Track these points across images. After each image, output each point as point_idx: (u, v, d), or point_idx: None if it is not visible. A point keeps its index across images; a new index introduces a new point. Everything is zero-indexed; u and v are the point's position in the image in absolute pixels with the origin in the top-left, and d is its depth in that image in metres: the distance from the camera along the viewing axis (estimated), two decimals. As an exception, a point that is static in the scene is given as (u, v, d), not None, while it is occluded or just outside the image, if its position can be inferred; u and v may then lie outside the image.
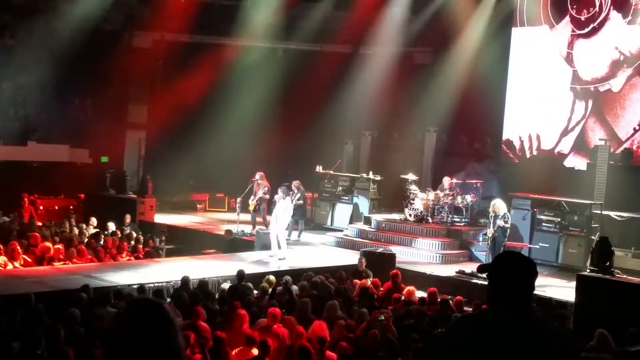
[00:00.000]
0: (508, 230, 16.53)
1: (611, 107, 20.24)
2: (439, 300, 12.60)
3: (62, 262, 15.30)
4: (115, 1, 22.30)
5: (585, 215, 17.53)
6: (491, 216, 16.53)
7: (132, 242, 17.70)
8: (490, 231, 16.46)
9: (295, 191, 20.36)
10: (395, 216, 20.72)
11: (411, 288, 13.22)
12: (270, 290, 12.87)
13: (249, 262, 16.61)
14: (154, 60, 23.55)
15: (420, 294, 13.28)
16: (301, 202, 20.40)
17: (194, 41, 23.70)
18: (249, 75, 23.68)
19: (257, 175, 20.04)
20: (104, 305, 10.97)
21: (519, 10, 21.97)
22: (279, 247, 17.09)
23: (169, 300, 11.95)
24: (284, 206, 17.25)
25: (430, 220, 19.69)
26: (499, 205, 16.51)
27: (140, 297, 4.39)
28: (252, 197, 19.93)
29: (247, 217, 20.31)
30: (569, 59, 21.06)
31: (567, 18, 21.04)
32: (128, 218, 19.48)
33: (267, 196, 19.80)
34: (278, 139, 23.84)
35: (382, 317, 10.29)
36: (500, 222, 16.26)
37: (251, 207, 20.00)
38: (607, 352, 9.24)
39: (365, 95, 23.62)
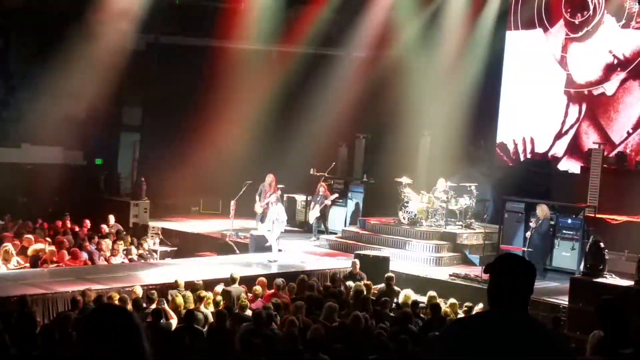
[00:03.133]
0: (543, 236, 16.94)
1: (605, 110, 20.31)
2: (436, 303, 12.59)
3: (55, 264, 15.28)
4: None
5: (579, 218, 17.57)
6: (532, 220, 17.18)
7: (126, 245, 17.67)
8: (527, 234, 17.00)
9: (322, 194, 20.70)
10: (389, 219, 20.71)
11: (408, 292, 13.23)
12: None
13: (242, 264, 16.63)
14: (149, 62, 23.52)
15: (414, 297, 13.29)
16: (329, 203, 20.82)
17: (187, 43, 23.70)
18: (244, 78, 23.66)
19: (270, 178, 19.83)
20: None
21: (513, 13, 22.03)
22: (271, 249, 17.30)
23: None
24: (278, 211, 17.43)
25: (424, 223, 19.69)
26: (537, 209, 17.08)
27: (105, 304, 4.43)
28: (258, 198, 19.74)
29: (242, 219, 20.35)
30: (563, 63, 21.12)
31: (561, 22, 21.11)
32: (112, 219, 19.40)
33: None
34: (272, 142, 23.82)
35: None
36: (532, 225, 16.81)
37: (257, 209, 19.83)
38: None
39: (360, 98, 23.62)
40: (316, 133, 23.45)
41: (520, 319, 3.70)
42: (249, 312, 11.34)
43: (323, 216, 21.05)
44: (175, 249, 19.67)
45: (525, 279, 3.77)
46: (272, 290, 13.11)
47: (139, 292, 12.40)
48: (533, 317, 3.76)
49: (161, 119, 23.59)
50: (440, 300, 12.97)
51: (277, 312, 11.24)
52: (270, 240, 17.42)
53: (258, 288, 12.94)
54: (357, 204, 21.67)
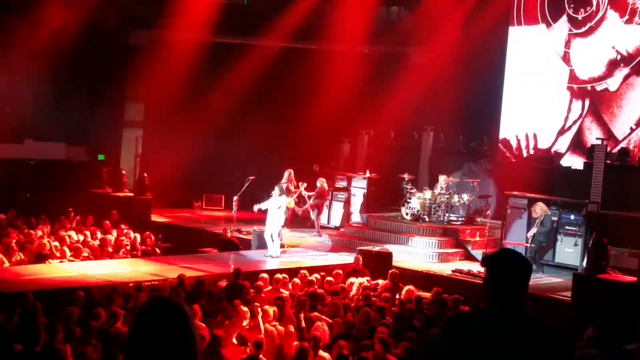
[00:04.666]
0: (547, 233, 16.86)
1: (608, 106, 20.28)
2: (441, 299, 12.58)
3: (58, 260, 15.29)
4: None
5: (582, 214, 17.56)
6: (533, 219, 17.16)
7: (129, 240, 17.68)
8: (530, 233, 16.90)
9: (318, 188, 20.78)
10: (392, 215, 20.72)
11: (410, 287, 13.22)
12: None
13: (245, 261, 16.64)
14: (151, 58, 23.51)
15: (417, 292, 13.27)
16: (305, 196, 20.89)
17: (191, 39, 23.66)
18: (245, 73, 23.65)
19: (288, 173, 19.98)
20: (102, 305, 10.97)
21: (516, 9, 21.99)
22: (273, 244, 17.24)
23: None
24: (279, 204, 17.37)
25: (427, 219, 19.69)
26: (535, 208, 17.04)
27: (157, 296, 4.48)
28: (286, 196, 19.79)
29: (244, 215, 20.35)
30: (566, 58, 21.08)
31: (564, 17, 21.07)
32: (115, 216, 19.40)
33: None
34: (275, 138, 23.82)
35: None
36: (536, 227, 16.77)
37: (290, 205, 19.90)
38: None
39: (363, 94, 23.60)
40: (319, 129, 23.45)
41: (519, 315, 3.70)
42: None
43: (317, 209, 21.10)
44: (178, 244, 19.66)
45: (524, 276, 3.78)
46: (274, 286, 13.11)
47: (142, 288, 12.39)
48: (532, 313, 3.76)
49: (163, 114, 23.57)
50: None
51: (279, 308, 11.23)
52: (273, 234, 17.33)
53: (260, 284, 12.94)
54: (359, 200, 21.67)
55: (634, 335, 9.92)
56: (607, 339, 8.79)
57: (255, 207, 17.78)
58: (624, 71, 19.91)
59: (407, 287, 13.23)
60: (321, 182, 21.12)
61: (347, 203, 21.92)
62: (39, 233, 16.80)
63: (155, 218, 21.53)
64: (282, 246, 17.86)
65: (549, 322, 3.80)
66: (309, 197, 20.94)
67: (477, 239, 18.97)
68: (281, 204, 17.47)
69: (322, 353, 9.24)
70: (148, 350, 2.96)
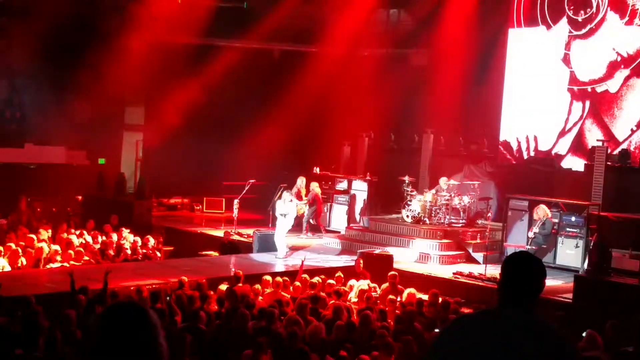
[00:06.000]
0: (547, 236, 16.85)
1: (608, 108, 20.27)
2: (440, 301, 12.58)
3: (59, 264, 15.29)
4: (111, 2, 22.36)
5: (583, 216, 17.55)
6: (534, 220, 17.16)
7: (130, 244, 17.68)
8: (531, 233, 16.96)
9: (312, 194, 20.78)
10: (393, 217, 20.71)
11: (411, 290, 13.20)
12: None
13: (246, 264, 16.64)
14: (151, 62, 23.53)
15: (418, 295, 13.26)
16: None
17: (190, 43, 23.69)
18: (246, 77, 23.67)
19: (302, 181, 20.25)
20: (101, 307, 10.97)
21: (516, 10, 21.99)
22: (282, 246, 17.59)
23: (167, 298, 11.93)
24: (287, 209, 17.51)
25: (428, 222, 19.68)
26: (537, 210, 17.03)
27: (121, 301, 4.43)
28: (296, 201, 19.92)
29: (245, 218, 20.40)
30: (566, 60, 21.08)
31: (564, 19, 21.07)
32: (115, 219, 19.41)
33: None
34: (276, 141, 23.83)
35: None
36: (536, 228, 16.68)
37: (300, 211, 20.02)
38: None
39: (363, 96, 23.62)
40: (320, 132, 23.45)
41: (523, 317, 3.68)
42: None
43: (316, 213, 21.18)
44: (179, 248, 19.68)
45: (534, 279, 3.76)
46: (275, 289, 13.10)
47: (143, 291, 12.38)
48: (539, 317, 3.73)
49: (164, 118, 23.59)
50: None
51: (280, 310, 11.23)
52: (278, 237, 17.52)
53: (259, 287, 12.93)
54: (360, 203, 21.66)
55: (633, 338, 9.91)
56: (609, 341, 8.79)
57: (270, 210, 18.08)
58: (624, 72, 19.91)
59: (408, 290, 13.21)
60: (312, 188, 21.05)
61: (351, 206, 21.85)
62: (40, 237, 16.79)
63: (155, 221, 21.52)
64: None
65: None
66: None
67: (478, 241, 18.96)
68: (288, 210, 17.62)
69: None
70: (110, 355, 2.91)
